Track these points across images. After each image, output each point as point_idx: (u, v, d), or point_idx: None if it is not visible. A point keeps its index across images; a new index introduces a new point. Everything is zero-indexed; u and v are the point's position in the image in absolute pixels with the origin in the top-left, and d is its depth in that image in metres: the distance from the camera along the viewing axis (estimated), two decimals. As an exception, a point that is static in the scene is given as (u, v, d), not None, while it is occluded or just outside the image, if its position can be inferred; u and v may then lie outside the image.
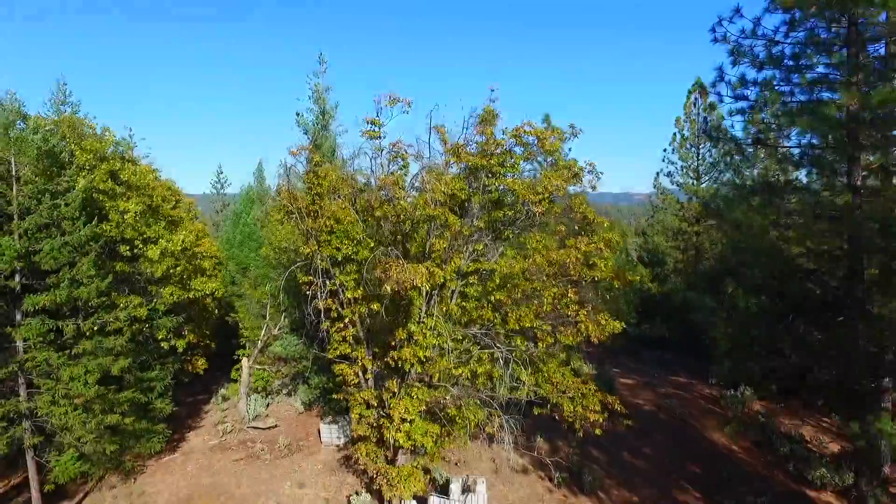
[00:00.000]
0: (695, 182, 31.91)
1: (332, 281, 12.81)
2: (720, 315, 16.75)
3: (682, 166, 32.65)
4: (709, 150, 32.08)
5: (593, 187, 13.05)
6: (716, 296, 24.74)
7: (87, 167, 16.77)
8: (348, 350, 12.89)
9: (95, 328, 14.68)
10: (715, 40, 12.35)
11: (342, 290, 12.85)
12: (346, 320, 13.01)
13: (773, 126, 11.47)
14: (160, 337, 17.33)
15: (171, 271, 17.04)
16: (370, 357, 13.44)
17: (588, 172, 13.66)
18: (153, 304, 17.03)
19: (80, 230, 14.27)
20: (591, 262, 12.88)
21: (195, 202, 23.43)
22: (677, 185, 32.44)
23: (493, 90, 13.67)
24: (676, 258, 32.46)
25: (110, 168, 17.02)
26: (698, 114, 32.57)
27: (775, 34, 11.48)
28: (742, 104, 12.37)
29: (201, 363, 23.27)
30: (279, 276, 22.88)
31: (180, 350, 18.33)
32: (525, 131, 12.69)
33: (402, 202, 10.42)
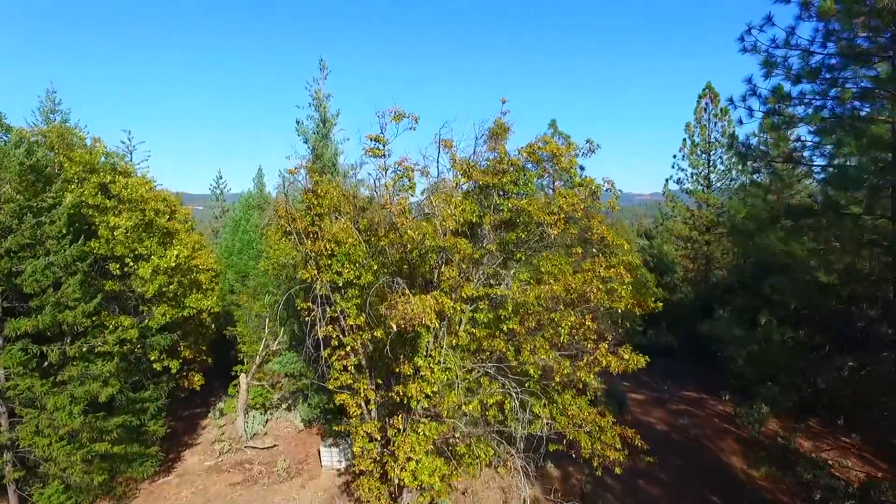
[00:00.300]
0: (705, 189, 30.98)
1: (333, 307, 11.91)
2: (746, 343, 15.67)
3: (691, 173, 31.74)
4: (720, 157, 31.20)
5: (613, 207, 12.13)
6: (732, 312, 23.90)
7: (76, 180, 15.88)
8: (349, 381, 11.99)
9: (83, 352, 13.82)
10: (744, 50, 11.43)
11: (343, 317, 11.96)
12: (348, 348, 12.11)
13: (810, 144, 10.57)
14: (152, 358, 16.45)
15: (164, 289, 16.13)
16: (373, 387, 12.55)
17: (606, 191, 12.76)
18: (144, 323, 16.16)
19: (65, 249, 13.40)
20: (609, 288, 11.98)
21: (192, 212, 22.54)
22: (687, 193, 31.54)
23: (504, 102, 12.75)
24: (686, 267, 31.53)
25: (100, 181, 16.12)
26: (709, 119, 31.68)
27: (811, 44, 10.58)
28: (774, 119, 11.44)
29: (198, 379, 22.37)
30: (278, 290, 22.04)
31: (174, 371, 17.44)
32: (539, 147, 11.77)
33: (409, 231, 9.54)
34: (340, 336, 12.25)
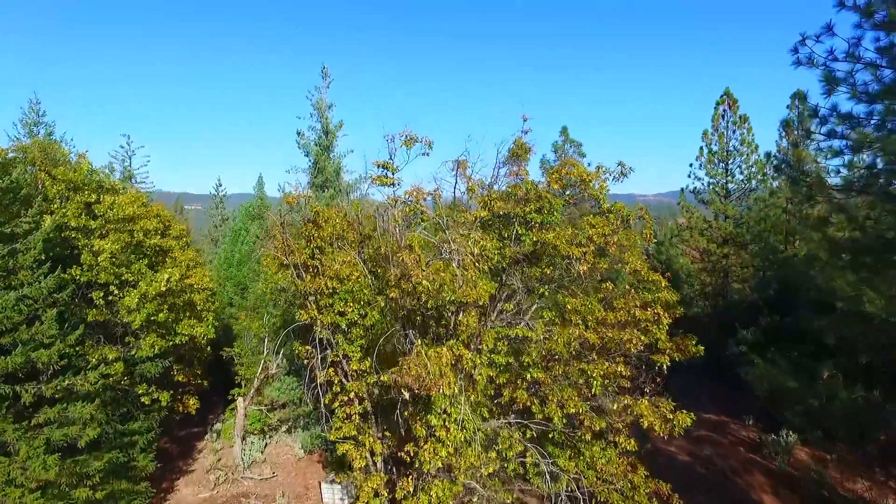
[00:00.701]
0: (723, 200, 29.56)
1: (335, 350, 10.58)
2: (805, 397, 14.09)
3: (708, 182, 30.32)
4: (738, 166, 29.78)
5: (648, 240, 10.77)
6: (757, 332, 22.52)
7: (59, 199, 14.59)
8: (353, 432, 10.65)
9: (61, 391, 12.51)
10: (798, 63, 10.05)
11: (346, 361, 10.63)
12: (352, 394, 10.78)
13: (885, 170, 9.18)
14: (140, 392, 15.14)
15: (153, 317, 14.80)
16: (379, 436, 11.22)
17: (639, 218, 11.41)
18: (132, 353, 14.86)
19: (41, 280, 12.10)
20: (644, 327, 10.63)
21: (189, 223, 21.22)
22: (704, 203, 30.15)
23: (525, 120, 11.38)
24: (703, 280, 30.12)
25: (85, 200, 14.81)
26: (727, 127, 30.25)
27: (882, 57, 9.21)
28: (836, 143, 10.07)
29: (193, 403, 21.08)
30: (277, 311, 20.72)
31: (164, 403, 16.13)
32: (567, 173, 10.41)
33: (424, 283, 8.20)
34: (343, 380, 10.92)
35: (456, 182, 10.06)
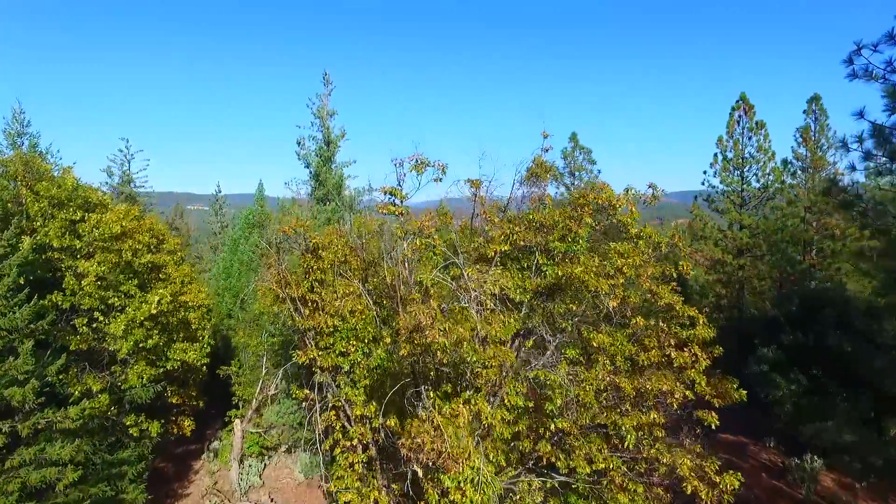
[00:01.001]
0: (738, 209, 28.40)
1: (335, 394, 9.50)
2: (866, 450, 12.94)
3: (723, 190, 29.17)
4: (755, 174, 28.62)
5: (678, 268, 9.67)
6: (778, 351, 21.38)
7: (41, 217, 13.54)
8: (356, 483, 9.56)
9: (38, 430, 11.46)
10: (853, 76, 8.95)
11: (349, 405, 9.55)
12: (355, 441, 9.69)
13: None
14: (128, 423, 14.08)
15: (142, 345, 13.73)
16: (384, 485, 10.12)
17: (671, 246, 10.31)
18: (119, 380, 13.80)
19: (16, 310, 11.05)
20: (678, 366, 9.53)
21: (183, 241, 20.14)
22: (719, 212, 29.01)
23: (546, 137, 10.28)
24: (718, 292, 28.96)
25: (70, 217, 13.76)
26: (742, 133, 29.08)
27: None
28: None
29: (188, 424, 20.03)
30: (276, 331, 19.64)
31: (154, 434, 15.06)
32: (595, 197, 9.29)
33: (440, 339, 7.09)
34: (346, 424, 9.84)
35: (474, 211, 8.95)
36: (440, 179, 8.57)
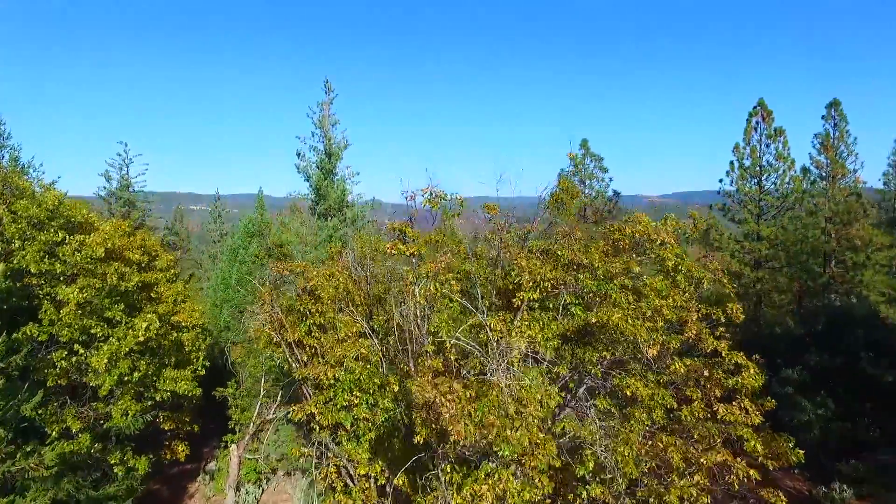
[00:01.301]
0: (756, 219, 27.19)
1: (336, 453, 8.36)
2: None
3: (740, 199, 27.99)
4: (773, 183, 27.39)
5: (735, 317, 8.51)
6: (802, 371, 20.22)
7: (19, 238, 12.42)
8: (361, 551, 8.44)
9: (8, 477, 10.37)
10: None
11: (352, 465, 8.42)
12: (358, 502, 8.54)
13: None
14: (113, 461, 12.97)
15: (127, 378, 12.58)
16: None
17: (715, 282, 9.15)
18: (102, 421, 12.67)
19: (-16, 347, 9.96)
20: (723, 418, 8.39)
21: (181, 246, 18.98)
22: (736, 222, 27.80)
23: (572, 159, 9.15)
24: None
25: (50, 239, 12.63)
26: (760, 140, 27.87)
27: None
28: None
29: (182, 449, 18.94)
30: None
31: (142, 472, 13.94)
32: (631, 231, 8.14)
33: (460, 429, 5.95)
34: (349, 482, 8.70)
35: (498, 255, 7.79)
36: (458, 214, 7.46)
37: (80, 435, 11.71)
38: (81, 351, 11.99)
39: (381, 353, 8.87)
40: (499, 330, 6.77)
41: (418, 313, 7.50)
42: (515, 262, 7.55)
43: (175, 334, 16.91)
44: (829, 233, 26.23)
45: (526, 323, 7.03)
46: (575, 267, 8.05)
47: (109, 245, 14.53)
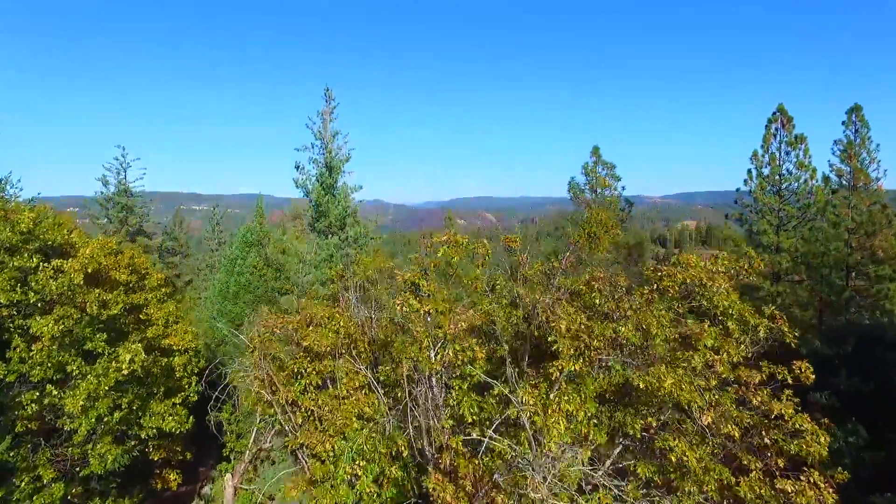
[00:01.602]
0: (776, 231, 25.89)
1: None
2: None
3: (758, 209, 26.69)
4: (794, 193, 26.09)
5: (807, 376, 7.30)
6: (831, 395, 18.97)
7: (-11, 265, 11.22)
8: None
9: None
10: None
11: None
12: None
13: None
14: (92, 509, 11.77)
15: (107, 419, 11.38)
16: None
17: (772, 331, 7.93)
18: (78, 469, 11.46)
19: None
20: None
21: (164, 276, 17.78)
22: (756, 234, 26.52)
23: (606, 187, 7.90)
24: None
25: (23, 265, 11.44)
26: (779, 148, 26.58)
27: None
28: None
29: (174, 477, 17.76)
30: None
31: (125, 518, 12.73)
32: (686, 276, 6.89)
33: None
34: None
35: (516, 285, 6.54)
36: (484, 265, 6.25)
37: (53, 485, 10.51)
38: (54, 392, 10.77)
39: (387, 408, 7.66)
40: (531, 404, 5.56)
41: (436, 391, 6.23)
42: (547, 312, 6.27)
43: (165, 360, 15.76)
44: (851, 244, 24.99)
45: (565, 397, 5.81)
46: (610, 317, 6.84)
47: (91, 269, 13.36)
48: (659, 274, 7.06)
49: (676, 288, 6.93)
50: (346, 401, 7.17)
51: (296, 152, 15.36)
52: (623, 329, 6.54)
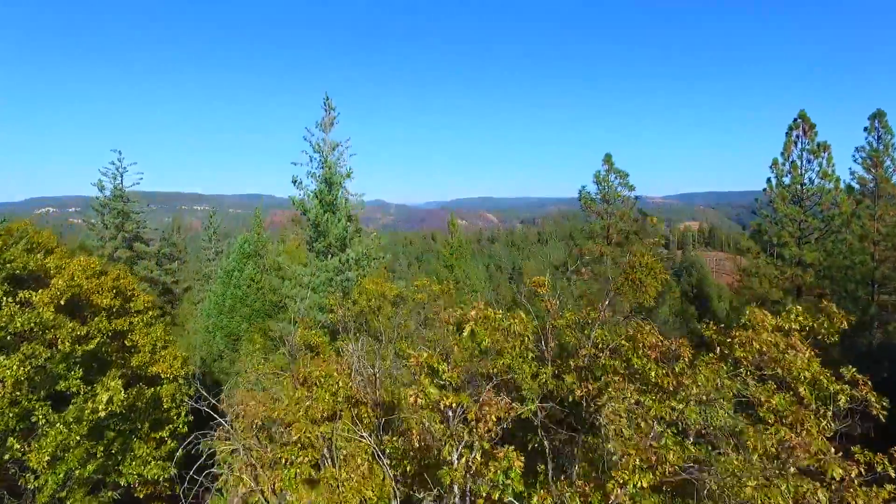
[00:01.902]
0: (798, 244, 24.56)
1: None
2: None
3: (778, 219, 25.36)
4: (816, 202, 24.75)
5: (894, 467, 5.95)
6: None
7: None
8: None
9: None
10: None
11: None
12: None
13: None
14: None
15: (78, 472, 10.09)
16: None
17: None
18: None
19: None
20: None
21: (154, 299, 16.45)
22: (776, 245, 25.20)
23: (652, 220, 6.77)
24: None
25: (-14, 297, 10.14)
26: (800, 156, 25.23)
27: None
28: None
29: (162, 512, 16.44)
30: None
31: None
32: (759, 344, 5.57)
33: None
34: None
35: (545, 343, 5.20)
36: (523, 344, 4.94)
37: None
38: (17, 446, 9.49)
39: (393, 487, 6.37)
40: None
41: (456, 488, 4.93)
42: (588, 388, 4.91)
43: (151, 390, 14.49)
44: (876, 257, 23.68)
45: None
46: (670, 390, 5.54)
47: (71, 294, 12.10)
48: (729, 340, 5.75)
49: (750, 357, 5.63)
50: (345, 484, 5.90)
51: (293, 166, 14.03)
52: (688, 411, 5.24)
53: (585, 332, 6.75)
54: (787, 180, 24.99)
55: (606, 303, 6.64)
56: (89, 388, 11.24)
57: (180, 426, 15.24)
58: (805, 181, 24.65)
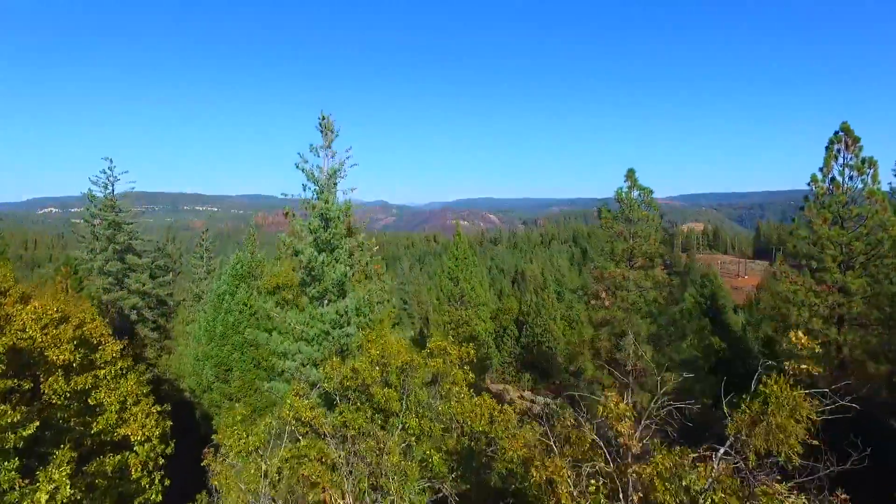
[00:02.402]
0: (841, 269, 22.19)
1: None
2: None
3: (816, 240, 22.97)
4: (862, 223, 22.36)
5: None
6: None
7: None
8: None
9: None
10: None
11: None
12: None
13: None
14: None
15: None
16: None
17: None
18: None
19: None
20: None
21: (120, 346, 14.08)
22: (816, 270, 22.84)
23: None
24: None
25: None
26: (842, 171, 22.84)
27: None
28: None
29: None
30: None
31: None
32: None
33: None
34: None
35: None
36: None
37: None
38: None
39: None
40: None
41: None
42: None
43: (118, 458, 12.26)
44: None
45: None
46: None
47: (10, 358, 9.84)
48: None
49: None
50: None
51: (283, 198, 11.64)
52: None
53: (690, 492, 4.46)
54: (827, 199, 22.62)
55: (721, 452, 4.35)
56: (26, 484, 9.01)
57: (152, 496, 13.04)
58: (848, 200, 22.29)
